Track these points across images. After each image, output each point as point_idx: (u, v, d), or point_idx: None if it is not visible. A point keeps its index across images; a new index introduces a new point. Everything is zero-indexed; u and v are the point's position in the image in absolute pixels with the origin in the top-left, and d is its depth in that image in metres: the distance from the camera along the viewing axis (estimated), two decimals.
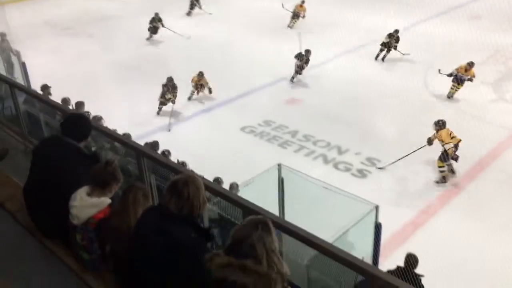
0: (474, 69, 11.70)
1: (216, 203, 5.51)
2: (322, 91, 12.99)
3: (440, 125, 8.99)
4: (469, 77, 11.67)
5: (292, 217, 6.32)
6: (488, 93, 12.45)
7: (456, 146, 8.72)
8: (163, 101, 11.84)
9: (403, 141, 10.45)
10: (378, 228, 5.50)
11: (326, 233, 5.47)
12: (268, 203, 6.22)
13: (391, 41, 14.64)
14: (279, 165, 6.64)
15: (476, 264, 6.90)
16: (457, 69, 11.72)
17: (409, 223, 7.84)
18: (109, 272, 2.86)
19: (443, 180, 8.83)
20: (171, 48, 16.08)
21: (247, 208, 3.33)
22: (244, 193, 6.51)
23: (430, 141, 9.16)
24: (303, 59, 13.44)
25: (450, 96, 12.07)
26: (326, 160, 9.87)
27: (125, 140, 4.13)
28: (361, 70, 13.89)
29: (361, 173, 9.45)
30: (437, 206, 8.32)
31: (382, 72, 13.98)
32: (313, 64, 13.89)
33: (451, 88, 12.01)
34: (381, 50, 14.79)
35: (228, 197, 3.46)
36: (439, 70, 12.13)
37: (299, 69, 13.52)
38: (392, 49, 14.71)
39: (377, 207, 5.51)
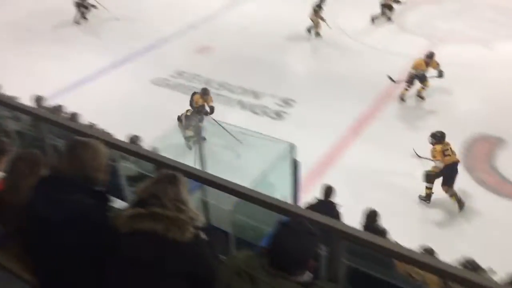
0: (436, 58, 9.41)
1: (135, 161, 5.35)
2: (232, 36, 12.80)
3: (438, 138, 7.17)
4: (436, 71, 9.40)
5: (214, 166, 6.36)
6: (389, 24, 12.98)
7: (452, 167, 7.08)
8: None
9: (317, 80, 10.75)
10: (296, 165, 5.66)
11: (248, 177, 5.58)
12: (188, 155, 6.20)
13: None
14: None
15: (388, 187, 7.44)
16: (414, 68, 9.34)
17: (325, 157, 8.19)
18: (17, 246, 2.69)
19: (426, 198, 7.31)
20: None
21: (160, 163, 3.24)
22: (162, 147, 6.39)
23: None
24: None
25: (422, 97, 9.70)
26: (243, 106, 9.89)
27: (20, 106, 3.80)
28: (271, 11, 13.86)
29: (278, 115, 9.60)
30: (350, 138, 8.73)
31: (292, 11, 13.96)
32: (219, 9, 13.58)
33: (421, 88, 9.65)
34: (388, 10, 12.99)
35: (140, 153, 3.34)
36: (390, 78, 9.68)
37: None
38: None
39: (293, 146, 5.64)
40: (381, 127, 8.91)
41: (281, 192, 5.84)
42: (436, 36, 12.23)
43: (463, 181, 7.59)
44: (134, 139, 6.90)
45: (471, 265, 4.49)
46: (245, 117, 9.36)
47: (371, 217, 5.52)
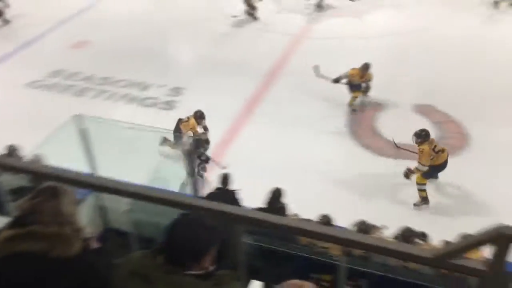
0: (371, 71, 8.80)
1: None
2: (109, 27, 12.20)
3: (423, 137, 6.67)
4: (366, 81, 8.85)
5: (106, 167, 6.04)
6: (268, 5, 13.23)
7: (445, 163, 6.81)
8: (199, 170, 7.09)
9: (205, 65, 10.66)
10: (190, 154, 5.58)
11: (142, 173, 5.41)
12: (74, 159, 5.81)
13: None
14: (76, 115, 6.08)
15: (286, 164, 7.65)
16: (349, 76, 8.74)
17: (222, 141, 8.21)
18: None
19: (423, 202, 6.88)
20: None
21: (40, 174, 2.97)
22: (43, 155, 5.93)
23: (407, 175, 6.98)
24: None
25: (355, 109, 8.98)
26: (130, 99, 9.50)
27: None
28: None
29: (169, 105, 9.39)
30: (242, 120, 8.82)
31: None
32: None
33: (352, 98, 8.98)
34: None
35: (14, 166, 3.02)
36: (316, 69, 9.17)
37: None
38: None
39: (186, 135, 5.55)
40: (272, 105, 9.11)
41: (180, 183, 5.76)
42: (314, 12, 12.71)
43: (351, 148, 8.09)
44: (12, 150, 6.31)
45: (363, 226, 4.80)
46: (133, 111, 9.02)
47: (275, 195, 5.64)
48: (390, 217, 6.08)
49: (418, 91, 9.32)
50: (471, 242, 1.65)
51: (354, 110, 8.93)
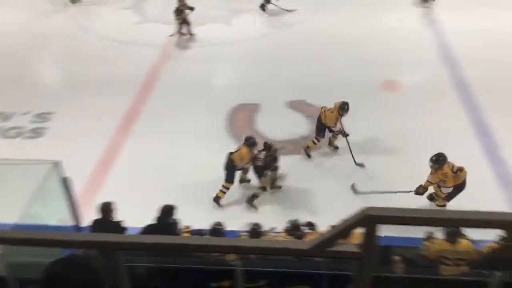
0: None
1: None
2: None
3: (441, 162, 6.37)
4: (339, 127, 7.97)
5: None
6: (133, 16, 12.88)
7: (462, 184, 6.53)
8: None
9: (72, 86, 10.03)
10: (66, 183, 5.18)
11: (13, 214, 4.90)
12: None
13: None
14: None
15: (174, 176, 7.48)
16: (333, 128, 7.96)
17: (101, 163, 7.80)
18: None
19: None
20: None
21: None
22: None
23: (420, 191, 6.75)
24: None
25: (336, 146, 8.32)
26: None
27: None
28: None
29: (36, 132, 8.68)
30: (120, 137, 8.49)
31: (28, 19, 12.66)
32: None
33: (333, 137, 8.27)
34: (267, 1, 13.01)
35: None
36: (308, 155, 8.17)
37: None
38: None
39: (57, 163, 5.12)
40: (150, 120, 8.88)
41: (58, 216, 5.34)
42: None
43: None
44: None
45: (256, 227, 4.88)
46: None
47: (165, 211, 5.47)
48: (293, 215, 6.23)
49: (290, 88, 9.71)
50: (343, 227, 1.74)
51: (309, 155, 8.22)
